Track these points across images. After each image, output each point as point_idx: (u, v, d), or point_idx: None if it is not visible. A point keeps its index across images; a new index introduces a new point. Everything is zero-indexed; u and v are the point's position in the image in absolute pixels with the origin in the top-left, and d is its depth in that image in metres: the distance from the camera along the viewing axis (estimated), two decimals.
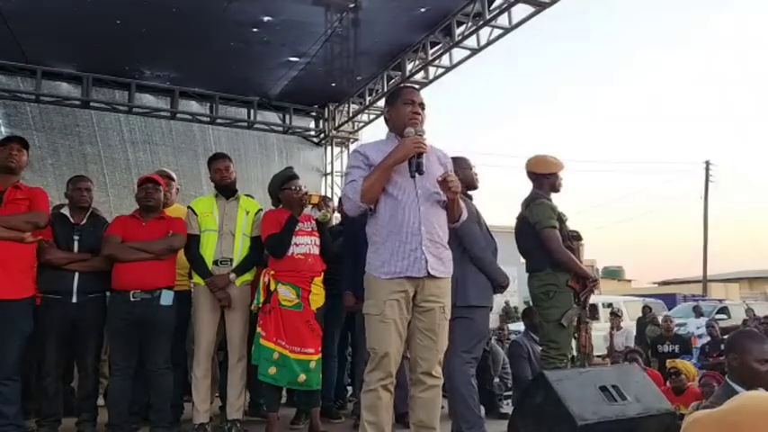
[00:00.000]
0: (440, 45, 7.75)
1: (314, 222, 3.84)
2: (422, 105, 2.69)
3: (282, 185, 3.90)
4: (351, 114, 9.84)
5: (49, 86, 8.34)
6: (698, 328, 12.17)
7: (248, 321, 3.85)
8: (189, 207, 3.96)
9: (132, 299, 3.52)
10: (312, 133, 10.36)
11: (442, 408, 3.08)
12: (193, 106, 9.33)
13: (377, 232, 2.61)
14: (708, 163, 25.55)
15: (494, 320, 10.99)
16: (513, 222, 4.01)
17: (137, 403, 3.81)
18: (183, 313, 3.95)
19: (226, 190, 3.96)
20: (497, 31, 7.17)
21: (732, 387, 2.40)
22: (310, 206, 3.79)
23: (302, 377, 3.62)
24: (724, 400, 1.54)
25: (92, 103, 8.58)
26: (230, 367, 3.82)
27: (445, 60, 7.99)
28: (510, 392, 5.22)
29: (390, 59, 8.31)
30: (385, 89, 8.61)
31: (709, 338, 9.01)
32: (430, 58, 7.86)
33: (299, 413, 4.25)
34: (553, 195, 3.90)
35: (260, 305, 3.67)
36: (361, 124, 10.29)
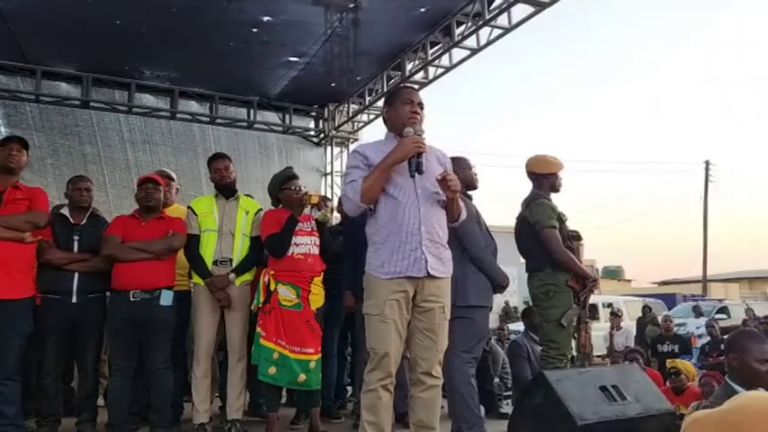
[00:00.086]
0: (439, 45, 7.75)
1: (314, 222, 3.84)
2: (420, 105, 2.69)
3: (282, 185, 3.90)
4: (351, 114, 9.84)
5: (48, 86, 8.34)
6: (698, 327, 12.17)
7: (248, 321, 3.85)
8: (189, 207, 3.96)
9: (132, 299, 3.52)
10: (312, 133, 10.36)
11: (442, 408, 3.09)
12: (193, 106, 9.33)
13: (377, 232, 2.60)
14: (708, 163, 25.58)
15: (494, 320, 10.99)
16: (512, 222, 4.01)
17: (137, 403, 3.81)
18: (183, 313, 3.95)
19: (226, 190, 3.96)
20: (497, 31, 7.17)
21: (732, 387, 2.40)
22: (310, 206, 3.79)
23: (302, 377, 3.63)
24: (724, 400, 1.54)
25: (91, 103, 8.57)
26: (230, 367, 3.82)
27: (445, 60, 7.99)
28: (510, 392, 5.21)
29: (390, 59, 8.31)
30: (385, 89, 8.61)
31: (708, 338, 9.01)
32: (430, 59, 7.85)
33: (298, 413, 4.26)
34: (553, 195, 3.90)
35: (260, 305, 3.67)
36: (361, 124, 10.29)
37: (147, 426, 3.69)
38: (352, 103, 9.63)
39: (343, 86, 8.98)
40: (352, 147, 9.66)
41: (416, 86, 8.03)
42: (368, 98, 9.26)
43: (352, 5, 6.71)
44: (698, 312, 14.13)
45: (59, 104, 8.46)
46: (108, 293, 3.70)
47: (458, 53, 7.79)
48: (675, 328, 9.38)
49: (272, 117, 9.89)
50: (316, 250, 3.79)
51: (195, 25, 6.89)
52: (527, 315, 5.51)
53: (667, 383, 5.02)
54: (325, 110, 10.05)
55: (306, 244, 3.74)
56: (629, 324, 11.19)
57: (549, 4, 6.57)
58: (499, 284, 3.54)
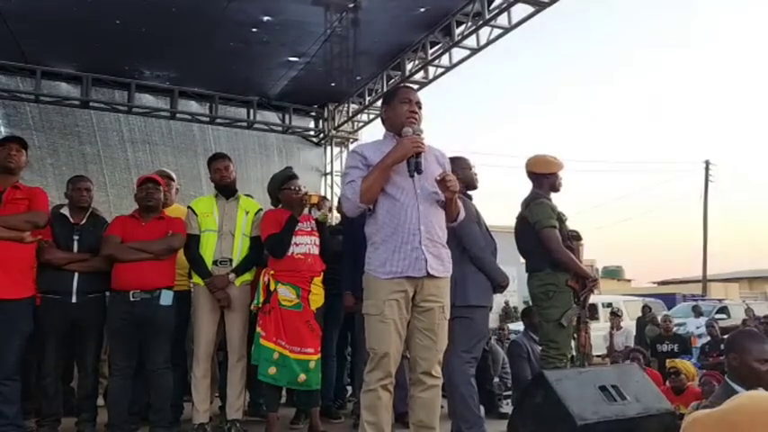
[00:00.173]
0: (439, 45, 7.75)
1: (314, 222, 3.84)
2: (419, 104, 2.69)
3: (282, 185, 3.90)
4: (350, 114, 9.84)
5: (48, 86, 8.34)
6: (697, 327, 12.18)
7: (248, 321, 3.85)
8: (189, 207, 3.96)
9: (132, 299, 3.52)
10: (312, 133, 10.36)
11: (442, 407, 3.09)
12: (193, 106, 9.33)
13: (376, 232, 2.60)
14: (707, 163, 25.55)
15: (493, 320, 10.98)
16: (512, 222, 4.01)
17: (136, 403, 3.80)
18: (183, 313, 3.95)
19: (225, 190, 3.95)
20: (497, 31, 7.17)
21: (732, 387, 2.40)
22: (309, 206, 3.79)
23: (302, 377, 3.62)
24: (723, 400, 1.54)
25: (91, 103, 8.58)
26: (230, 367, 3.82)
27: (445, 60, 7.99)
28: (510, 392, 5.22)
29: (390, 59, 8.31)
30: (385, 89, 8.60)
31: (708, 338, 9.01)
32: (429, 58, 7.86)
33: (298, 413, 4.26)
34: (553, 195, 3.90)
35: (260, 305, 3.67)
36: (361, 124, 10.30)
37: (147, 426, 3.69)
38: (352, 102, 9.63)
39: (343, 86, 8.98)
40: (351, 147, 9.66)
41: (416, 86, 8.05)
42: (368, 98, 9.27)
43: (351, 5, 6.71)
44: (698, 312, 14.12)
45: (59, 104, 8.46)
46: (108, 293, 3.70)
47: (458, 53, 7.81)
48: (675, 328, 9.39)
49: (272, 117, 9.89)
50: (315, 250, 3.78)
51: (195, 25, 6.89)
52: (527, 315, 5.51)
53: (667, 383, 5.02)
54: (325, 110, 10.05)
55: (306, 244, 3.74)
56: (628, 324, 11.18)
57: (549, 4, 6.57)
58: (499, 284, 3.54)
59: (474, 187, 3.73)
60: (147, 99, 8.98)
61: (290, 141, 10.10)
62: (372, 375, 2.53)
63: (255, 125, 9.60)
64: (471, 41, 7.46)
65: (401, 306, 2.53)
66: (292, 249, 3.68)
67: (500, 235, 4.05)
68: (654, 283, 35.15)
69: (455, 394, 3.36)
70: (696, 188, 27.99)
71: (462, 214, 2.80)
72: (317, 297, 3.74)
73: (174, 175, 4.64)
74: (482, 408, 3.67)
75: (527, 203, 3.86)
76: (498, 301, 14.13)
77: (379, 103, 8.83)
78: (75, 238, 3.67)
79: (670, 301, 18.32)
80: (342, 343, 4.80)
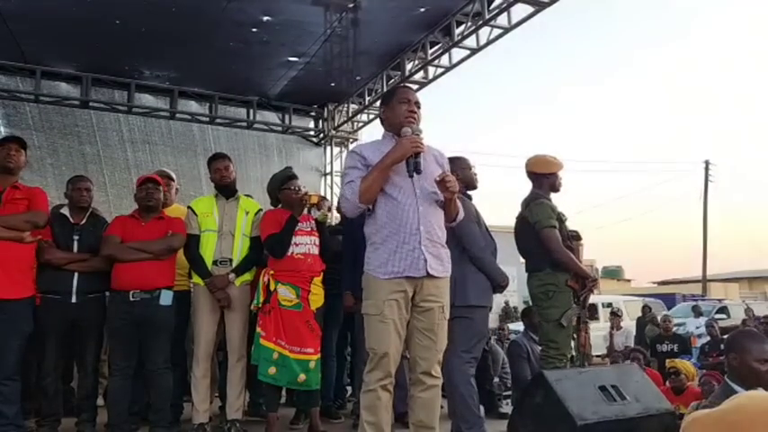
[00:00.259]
0: (439, 45, 7.75)
1: (313, 222, 3.84)
2: (417, 104, 2.69)
3: (282, 185, 3.90)
4: (350, 114, 9.85)
5: (48, 86, 8.34)
6: (697, 327, 12.17)
7: (248, 321, 3.85)
8: (189, 207, 3.96)
9: (132, 299, 3.52)
10: (311, 133, 10.36)
11: (442, 407, 3.09)
12: (193, 106, 9.33)
13: (376, 232, 2.60)
14: (707, 163, 25.55)
15: (493, 320, 10.98)
16: (512, 222, 4.01)
17: (136, 403, 3.80)
18: (183, 313, 3.95)
19: (225, 190, 3.95)
20: (497, 31, 7.17)
21: (731, 387, 2.40)
22: (309, 206, 3.79)
23: (302, 377, 3.62)
24: (723, 400, 1.54)
25: (91, 103, 8.58)
26: (230, 367, 3.82)
27: (445, 60, 7.99)
28: (510, 392, 5.21)
29: (390, 59, 8.31)
30: (384, 89, 8.60)
31: (708, 338, 9.01)
32: (429, 58, 7.86)
33: (298, 413, 4.26)
34: (553, 195, 3.90)
35: (260, 305, 3.67)
36: (361, 124, 10.30)
37: (147, 426, 3.69)
38: (352, 103, 9.63)
39: (343, 86, 8.99)
40: (351, 147, 9.66)
41: (416, 86, 8.05)
42: (367, 98, 9.27)
43: (351, 5, 6.71)
44: (697, 312, 14.12)
45: (59, 104, 8.46)
46: (108, 293, 3.70)
47: (457, 53, 7.81)
48: (675, 328, 9.39)
49: (272, 117, 9.89)
50: (315, 250, 3.78)
51: (195, 25, 6.89)
52: (527, 315, 5.51)
53: (667, 383, 5.02)
54: (325, 110, 10.06)
55: (305, 244, 3.74)
56: (628, 324, 11.18)
57: (549, 4, 6.57)
58: (499, 284, 3.54)
59: (474, 187, 3.73)
60: (147, 99, 8.98)
61: (290, 141, 10.10)
62: (372, 375, 2.53)
63: (255, 125, 9.60)
64: (471, 41, 7.46)
65: (401, 306, 2.53)
66: (292, 249, 3.68)
67: (500, 235, 4.05)
68: (654, 283, 35.17)
69: (455, 394, 3.36)
70: (696, 188, 27.97)
71: (461, 214, 2.80)
72: (317, 297, 3.74)
73: (173, 175, 4.64)
74: (482, 408, 3.67)
75: (527, 203, 3.86)
76: (498, 301, 14.14)
77: (378, 102, 8.83)
78: (75, 238, 3.67)
79: (670, 301, 18.32)
80: (342, 343, 4.80)
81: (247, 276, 3.85)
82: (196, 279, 3.81)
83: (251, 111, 9.48)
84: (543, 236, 3.68)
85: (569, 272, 3.68)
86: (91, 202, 3.83)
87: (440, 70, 8.17)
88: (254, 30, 7.15)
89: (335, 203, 4.95)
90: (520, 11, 6.83)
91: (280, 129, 9.92)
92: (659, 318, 10.07)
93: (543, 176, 3.87)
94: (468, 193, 3.65)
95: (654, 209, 72.34)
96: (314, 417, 3.84)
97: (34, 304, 3.45)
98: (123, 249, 3.57)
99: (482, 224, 3.60)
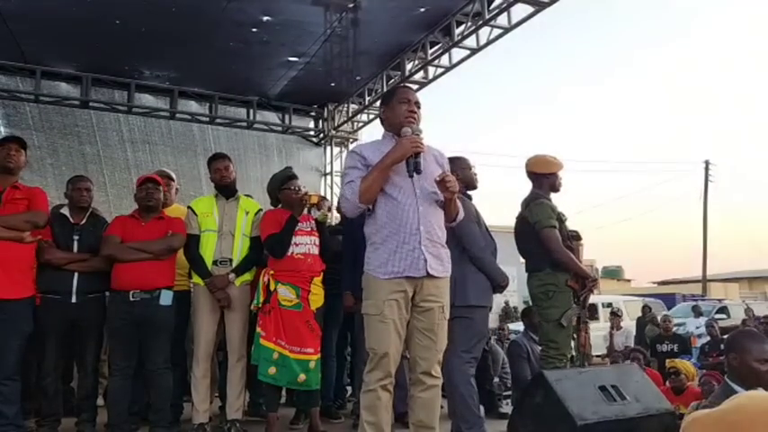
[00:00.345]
0: (439, 45, 7.75)
1: (313, 222, 3.84)
2: (417, 104, 2.69)
3: (282, 185, 3.90)
4: (350, 114, 9.85)
5: (48, 86, 8.34)
6: (697, 327, 12.17)
7: (248, 321, 3.85)
8: (189, 207, 3.96)
9: (132, 299, 3.52)
10: (311, 133, 10.36)
11: (442, 407, 3.09)
12: (193, 106, 9.33)
13: (376, 232, 2.60)
14: (707, 163, 25.55)
15: (493, 320, 10.99)
16: (512, 222, 4.01)
17: (136, 403, 3.80)
18: (183, 313, 3.95)
19: (226, 190, 3.96)
20: (497, 31, 7.17)
21: (731, 387, 2.40)
22: (309, 206, 3.79)
23: (302, 377, 3.62)
24: (723, 400, 1.54)
25: (91, 103, 8.58)
26: (230, 367, 3.82)
27: (444, 60, 7.99)
28: (510, 392, 5.21)
29: (390, 59, 8.31)
30: (384, 89, 8.60)
31: (708, 338, 9.01)
32: (429, 58, 7.86)
33: (298, 413, 4.26)
34: (553, 195, 3.89)
35: (260, 305, 3.67)
36: (361, 124, 10.30)
37: (147, 426, 3.69)
38: (352, 103, 9.64)
39: (343, 86, 8.99)
40: (351, 147, 9.66)
41: (416, 86, 8.05)
42: (367, 98, 9.28)
43: (351, 5, 6.71)
44: (697, 312, 14.12)
45: (59, 104, 8.46)
46: (107, 293, 3.70)
47: (457, 53, 7.81)
48: (675, 328, 9.38)
49: (272, 117, 9.90)
50: (315, 250, 3.78)
51: (195, 25, 6.89)
52: (527, 315, 5.51)
53: (667, 383, 5.02)
54: (325, 110, 10.06)
55: (305, 244, 3.74)
56: (628, 324, 11.18)
57: (549, 4, 6.57)
58: (499, 284, 3.54)
59: (474, 187, 3.73)
60: (147, 99, 8.98)
61: (290, 141, 10.10)
62: (372, 375, 2.53)
63: (255, 125, 9.60)
64: (471, 41, 7.46)
65: (401, 306, 2.53)
66: (292, 249, 3.68)
67: (500, 235, 4.05)
68: (654, 283, 35.18)
69: (455, 394, 3.36)
70: (696, 188, 27.97)
71: (461, 214, 2.80)
72: (317, 297, 3.74)
73: (173, 175, 4.64)
74: (482, 408, 3.67)
75: (527, 203, 3.86)
76: (498, 301, 14.14)
77: (378, 102, 8.83)
78: (75, 238, 3.67)
79: (670, 301, 18.32)
80: (342, 343, 4.80)
81: (247, 276, 3.85)
82: (196, 279, 3.81)
83: (251, 111, 9.48)
84: (543, 236, 3.68)
85: (569, 272, 3.68)
86: (91, 202, 3.83)
87: (440, 70, 8.17)
88: (254, 30, 7.15)
89: (335, 203, 4.95)
90: (520, 11, 6.83)
91: (280, 129, 9.92)
92: (659, 318, 10.07)
93: (543, 176, 3.87)
94: (468, 193, 3.65)
95: (654, 209, 72.44)
96: (314, 417, 3.84)
97: (34, 304, 3.45)
98: (123, 249, 3.57)
99: (482, 224, 3.60)
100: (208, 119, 9.34)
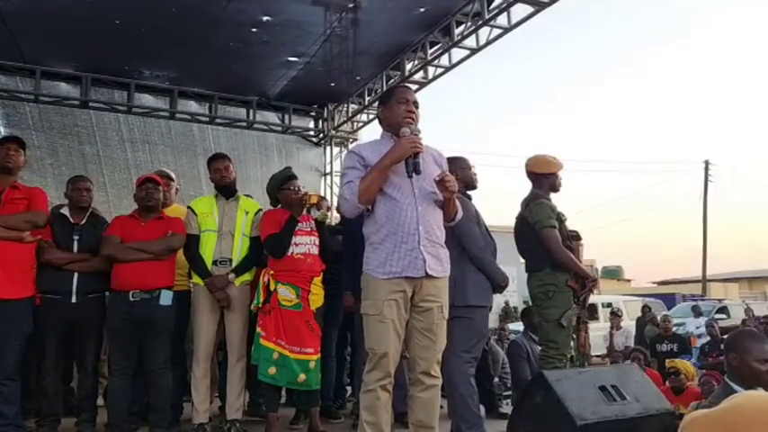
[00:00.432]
0: (439, 45, 7.75)
1: (313, 222, 3.84)
2: (416, 104, 2.68)
3: (281, 186, 3.90)
4: (350, 114, 9.85)
5: (48, 86, 8.34)
6: (697, 327, 12.17)
7: (248, 321, 3.85)
8: (189, 207, 3.96)
9: (132, 299, 3.52)
10: (311, 133, 10.36)
11: (442, 407, 3.09)
12: (192, 106, 9.33)
13: (375, 232, 2.60)
14: (707, 163, 25.54)
15: (493, 320, 10.98)
16: (512, 222, 4.01)
17: (136, 403, 3.80)
18: (183, 313, 3.95)
19: (225, 190, 3.96)
20: (496, 31, 7.17)
21: (731, 387, 2.40)
22: (308, 206, 3.79)
23: (302, 377, 3.63)
24: (723, 400, 1.54)
25: (91, 103, 8.58)
26: (230, 367, 3.82)
27: (444, 60, 8.00)
28: (509, 392, 5.22)
29: (389, 59, 8.31)
30: (384, 89, 8.61)
31: (708, 338, 9.01)
32: (429, 58, 7.86)
33: (298, 413, 4.26)
34: (553, 195, 3.90)
35: (259, 305, 3.67)
36: (361, 124, 10.30)
37: (147, 426, 3.69)
38: (352, 103, 9.64)
39: (343, 86, 8.98)
40: (350, 147, 9.66)
41: (416, 86, 8.06)
42: (367, 98, 9.28)
43: (351, 5, 6.71)
44: (697, 312, 14.11)
45: (59, 104, 8.46)
46: (107, 293, 3.70)
47: (457, 53, 7.81)
48: (675, 328, 9.39)
49: (272, 117, 9.89)
50: (315, 250, 3.79)
51: (195, 25, 6.89)
52: (527, 315, 5.51)
53: (667, 383, 5.02)
54: (325, 110, 10.06)
55: (305, 244, 3.74)
56: (628, 324, 11.17)
57: (549, 4, 6.57)
58: (498, 284, 3.54)
59: (473, 187, 3.73)
60: (147, 99, 8.98)
61: (290, 141, 10.10)
62: (371, 375, 2.53)
63: (255, 125, 9.60)
64: (471, 41, 7.46)
65: (400, 306, 2.53)
66: (292, 249, 3.69)
67: (500, 235, 4.05)
68: (654, 283, 35.17)
69: (455, 394, 3.36)
70: (696, 188, 27.96)
71: (460, 214, 2.80)
72: (317, 297, 3.74)
73: (173, 175, 4.64)
74: (482, 408, 3.67)
75: (527, 203, 3.86)
76: (498, 301, 14.14)
77: (377, 102, 8.81)
78: (75, 238, 3.67)
79: (670, 301, 18.32)
80: (341, 343, 4.80)
81: (247, 276, 3.85)
82: (196, 279, 3.81)
83: (251, 111, 9.48)
84: (543, 236, 3.68)
85: (569, 272, 3.68)
86: (91, 202, 3.83)
87: (439, 70, 8.17)
88: (254, 30, 7.15)
89: (335, 203, 4.95)
90: (520, 11, 6.83)
91: (279, 129, 9.92)
92: (659, 318, 10.07)
93: (543, 176, 3.87)
94: (468, 193, 3.65)
95: (654, 209, 72.34)
96: (314, 417, 3.84)
97: (34, 304, 3.45)
98: (123, 249, 3.57)
99: (482, 224, 3.60)
100: (207, 119, 9.34)
